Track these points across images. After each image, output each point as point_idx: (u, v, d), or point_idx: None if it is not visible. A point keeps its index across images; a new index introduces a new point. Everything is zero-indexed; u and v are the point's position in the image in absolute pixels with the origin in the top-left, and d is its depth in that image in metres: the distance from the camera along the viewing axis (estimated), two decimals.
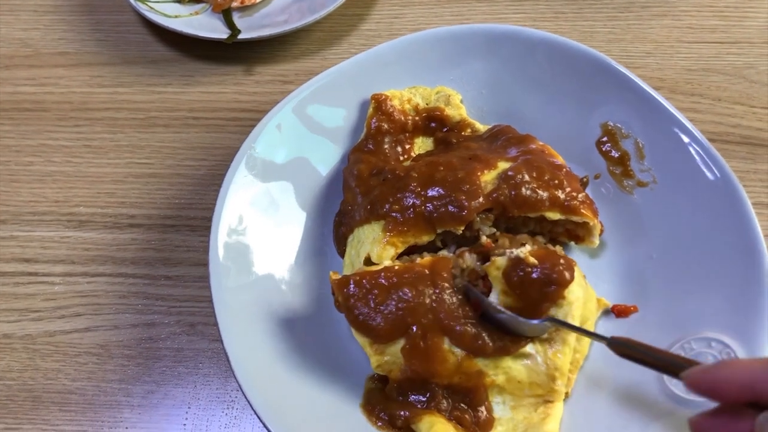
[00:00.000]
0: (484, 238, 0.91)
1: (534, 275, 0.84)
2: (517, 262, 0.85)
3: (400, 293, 0.85)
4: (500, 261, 0.86)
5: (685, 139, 0.97)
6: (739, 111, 1.16)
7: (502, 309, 0.85)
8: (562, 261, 0.85)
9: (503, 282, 0.85)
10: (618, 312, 0.94)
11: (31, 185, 1.14)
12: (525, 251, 0.85)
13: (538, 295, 0.85)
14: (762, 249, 0.87)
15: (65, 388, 0.98)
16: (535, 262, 0.84)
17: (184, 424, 0.95)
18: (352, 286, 0.86)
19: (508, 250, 0.86)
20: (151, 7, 1.24)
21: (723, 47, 1.23)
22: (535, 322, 0.84)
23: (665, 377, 0.85)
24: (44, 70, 1.27)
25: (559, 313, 0.85)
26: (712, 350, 0.84)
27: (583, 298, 0.87)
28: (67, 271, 1.07)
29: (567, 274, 0.84)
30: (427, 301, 0.85)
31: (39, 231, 1.10)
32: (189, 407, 0.96)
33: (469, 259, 0.89)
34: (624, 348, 0.77)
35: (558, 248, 0.92)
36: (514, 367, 0.85)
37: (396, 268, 0.87)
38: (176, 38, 1.26)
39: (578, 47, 1.04)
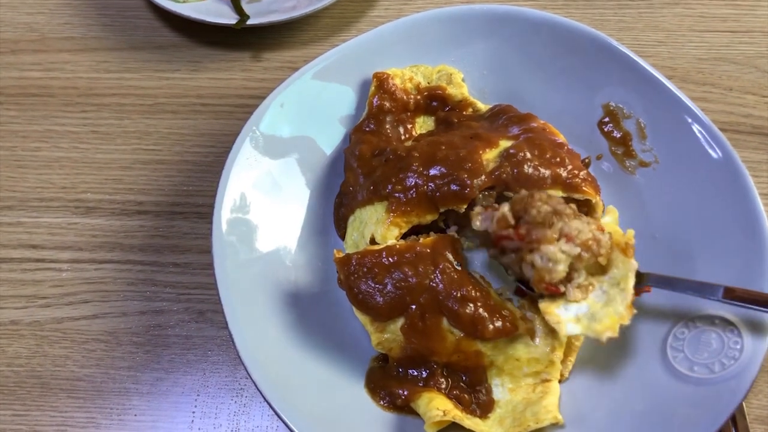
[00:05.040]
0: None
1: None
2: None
3: (400, 272, 0.86)
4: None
5: (687, 119, 0.96)
6: (751, 101, 1.15)
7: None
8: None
9: None
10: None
11: (37, 171, 1.14)
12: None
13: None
14: (764, 228, 0.87)
15: (74, 374, 0.98)
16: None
17: (193, 412, 0.95)
18: (353, 264, 0.87)
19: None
20: None
21: (735, 36, 1.22)
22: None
23: (670, 355, 0.85)
24: (50, 54, 1.26)
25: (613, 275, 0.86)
26: (716, 328, 0.85)
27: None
28: (74, 257, 1.06)
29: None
30: (426, 281, 0.85)
31: (46, 217, 1.10)
32: (198, 395, 0.96)
33: (504, 209, 0.86)
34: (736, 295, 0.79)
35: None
36: (512, 346, 0.86)
37: (398, 247, 0.88)
38: (184, 23, 1.25)
39: (579, 27, 1.03)
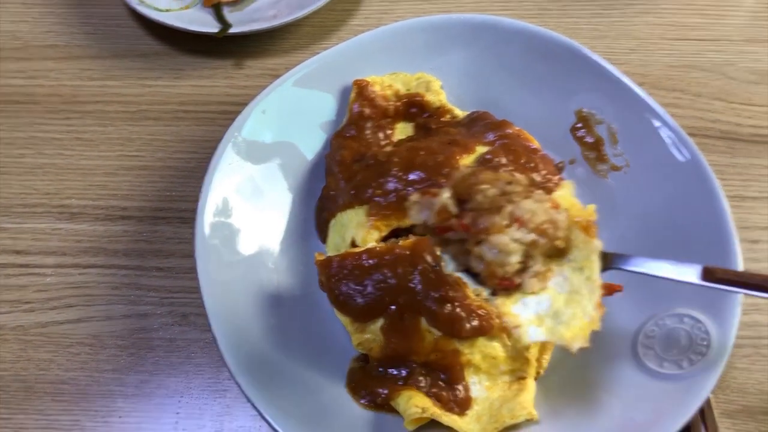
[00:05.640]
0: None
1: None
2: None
3: (380, 274, 0.88)
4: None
5: (656, 123, 1.00)
6: (719, 107, 1.19)
7: None
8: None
9: None
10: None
11: (21, 177, 1.15)
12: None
13: None
14: (729, 227, 0.90)
15: (58, 378, 0.99)
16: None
17: (178, 413, 0.97)
18: (334, 266, 0.89)
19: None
20: (142, 1, 1.24)
21: (704, 44, 1.26)
22: None
23: (641, 352, 0.88)
24: (33, 62, 1.26)
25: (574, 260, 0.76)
26: (684, 325, 0.88)
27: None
28: (58, 262, 1.07)
29: None
30: (406, 282, 0.87)
31: (30, 223, 1.10)
32: (182, 396, 0.98)
33: (444, 195, 0.74)
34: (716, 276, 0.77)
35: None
36: (489, 345, 0.88)
37: (378, 249, 0.90)
38: (166, 32, 1.27)
39: (553, 36, 1.06)
